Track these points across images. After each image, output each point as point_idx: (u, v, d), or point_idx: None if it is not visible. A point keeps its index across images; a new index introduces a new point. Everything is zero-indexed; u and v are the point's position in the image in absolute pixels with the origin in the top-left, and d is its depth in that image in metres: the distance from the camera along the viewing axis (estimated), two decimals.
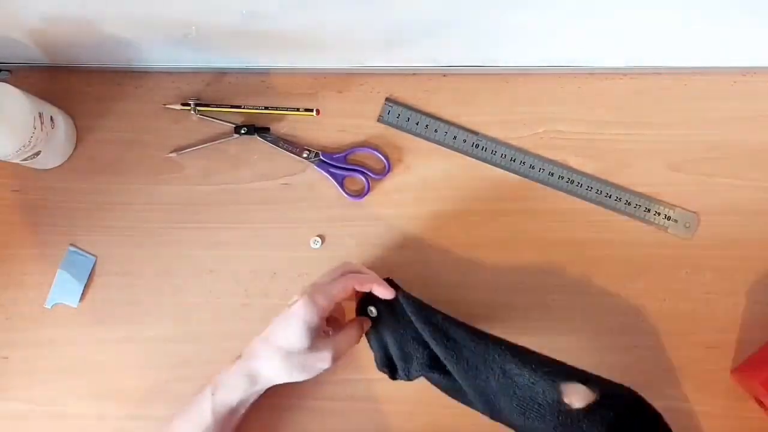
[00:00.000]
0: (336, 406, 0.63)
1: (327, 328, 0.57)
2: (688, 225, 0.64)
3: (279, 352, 0.53)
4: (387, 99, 0.67)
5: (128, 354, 0.65)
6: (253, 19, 0.55)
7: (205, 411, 0.55)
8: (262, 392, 0.57)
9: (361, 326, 0.57)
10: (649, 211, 0.64)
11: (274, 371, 0.54)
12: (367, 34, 0.59)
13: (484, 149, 0.66)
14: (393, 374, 0.58)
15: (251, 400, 0.57)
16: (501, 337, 0.55)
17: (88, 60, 0.67)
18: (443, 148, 0.66)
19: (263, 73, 0.68)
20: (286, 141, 0.67)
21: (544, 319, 0.64)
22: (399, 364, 0.57)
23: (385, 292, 0.54)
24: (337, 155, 0.66)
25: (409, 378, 0.57)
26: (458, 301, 0.64)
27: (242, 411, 0.57)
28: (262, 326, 0.65)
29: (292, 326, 0.52)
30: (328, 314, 0.54)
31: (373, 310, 0.57)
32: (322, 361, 0.54)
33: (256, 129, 0.66)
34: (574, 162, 0.66)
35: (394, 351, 0.57)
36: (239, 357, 0.56)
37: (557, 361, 0.53)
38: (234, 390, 0.55)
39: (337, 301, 0.53)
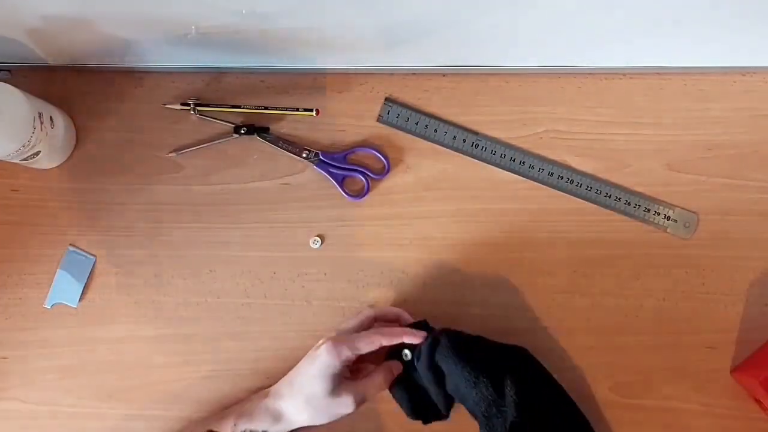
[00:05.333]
0: None
1: (348, 375, 0.57)
2: (687, 225, 0.64)
3: (301, 395, 0.55)
4: (387, 99, 0.67)
5: (128, 354, 0.65)
6: (253, 19, 0.55)
7: None
8: None
9: (390, 371, 0.57)
10: (648, 211, 0.64)
11: (296, 414, 0.56)
12: (367, 34, 0.59)
13: (484, 149, 0.66)
14: (426, 419, 0.58)
15: None
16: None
17: (88, 60, 0.67)
18: (443, 148, 0.66)
19: (263, 73, 0.68)
20: (285, 141, 0.67)
21: (544, 319, 0.64)
22: (440, 399, 0.56)
23: (414, 339, 0.56)
24: (337, 155, 0.66)
25: (448, 413, 0.57)
26: (458, 301, 0.64)
27: None
28: (261, 326, 0.65)
29: (315, 372, 0.54)
30: (354, 361, 0.56)
31: (408, 354, 0.58)
32: (345, 406, 0.55)
33: (255, 129, 0.66)
34: (574, 162, 0.66)
35: (434, 389, 0.56)
36: (267, 394, 0.58)
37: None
38: (257, 424, 0.56)
39: (361, 354, 0.55)
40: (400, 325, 0.58)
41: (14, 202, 0.67)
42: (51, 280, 0.66)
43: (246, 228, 0.66)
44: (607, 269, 0.64)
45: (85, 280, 0.66)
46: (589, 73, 0.66)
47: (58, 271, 0.66)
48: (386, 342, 0.55)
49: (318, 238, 0.65)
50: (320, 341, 0.56)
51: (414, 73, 0.67)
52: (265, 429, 0.56)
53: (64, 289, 0.66)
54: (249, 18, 0.55)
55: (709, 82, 0.66)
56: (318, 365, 0.54)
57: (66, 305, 0.66)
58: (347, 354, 0.54)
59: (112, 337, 0.65)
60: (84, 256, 0.66)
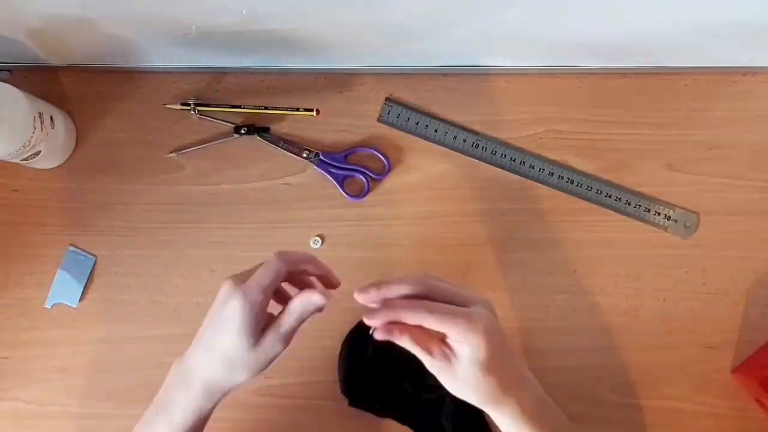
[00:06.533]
0: (334, 406, 0.63)
1: (263, 317, 0.49)
2: (688, 225, 0.64)
3: (224, 361, 0.48)
4: (387, 99, 0.67)
5: (128, 354, 0.65)
6: (253, 19, 0.55)
7: None
8: (221, 399, 0.50)
9: (307, 298, 0.48)
10: (649, 211, 0.64)
11: (226, 380, 0.49)
12: (367, 34, 0.59)
13: (484, 149, 0.66)
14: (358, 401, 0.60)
15: (212, 409, 0.50)
16: None
17: (88, 60, 0.67)
18: (443, 148, 0.66)
19: (263, 73, 0.68)
20: (286, 141, 0.67)
21: (544, 319, 0.64)
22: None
23: (318, 269, 0.50)
24: (337, 155, 0.66)
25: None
26: None
27: (204, 425, 0.51)
28: None
29: (230, 331, 0.47)
30: (268, 301, 0.48)
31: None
32: (272, 350, 0.48)
33: (256, 129, 0.66)
34: (574, 162, 0.66)
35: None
36: (180, 360, 0.51)
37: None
38: (192, 410, 0.49)
39: (272, 290, 0.48)
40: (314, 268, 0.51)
41: (14, 202, 0.67)
42: (51, 280, 0.66)
43: (246, 228, 0.66)
44: (607, 269, 0.64)
45: (85, 280, 0.66)
46: (589, 73, 0.66)
47: (58, 271, 0.66)
48: (290, 267, 0.48)
49: (318, 238, 0.65)
50: (222, 287, 0.49)
51: (414, 73, 0.67)
52: (201, 411, 0.49)
53: (64, 289, 0.66)
54: (249, 18, 0.55)
55: (709, 82, 0.66)
56: (231, 323, 0.47)
57: (66, 305, 0.66)
58: (257, 298, 0.47)
59: (112, 337, 0.65)
60: (84, 256, 0.66)
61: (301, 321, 0.49)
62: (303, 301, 0.48)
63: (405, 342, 0.47)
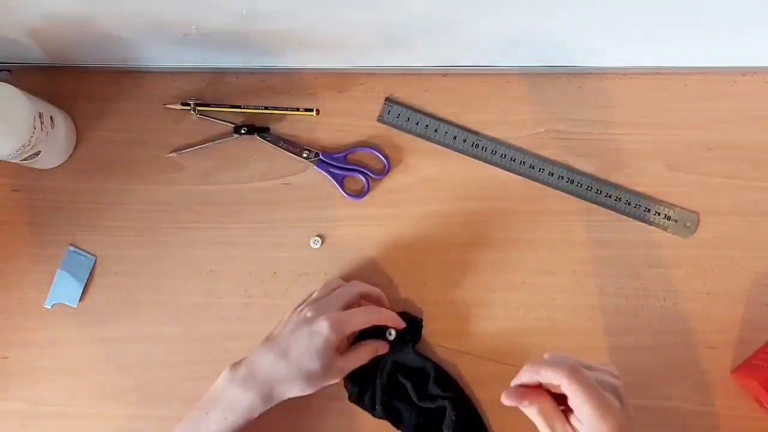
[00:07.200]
0: (336, 406, 0.63)
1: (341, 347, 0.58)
2: (688, 225, 0.64)
3: (300, 372, 0.54)
4: (387, 99, 0.67)
5: (128, 354, 0.65)
6: (253, 19, 0.55)
7: None
8: (270, 406, 0.56)
9: (375, 350, 0.60)
10: (649, 211, 0.64)
11: (291, 390, 0.55)
12: (367, 34, 0.59)
13: (484, 149, 0.66)
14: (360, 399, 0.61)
15: (260, 413, 0.55)
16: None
17: (88, 60, 0.67)
18: (443, 148, 0.66)
19: (263, 73, 0.68)
20: (286, 141, 0.67)
21: (544, 319, 0.64)
22: (379, 393, 0.60)
23: (400, 325, 0.60)
24: (337, 155, 0.66)
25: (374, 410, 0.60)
26: (458, 301, 0.64)
27: (248, 429, 0.55)
28: (262, 326, 0.65)
29: (317, 348, 0.54)
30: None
31: (392, 333, 0.60)
32: (333, 379, 0.57)
33: (256, 129, 0.66)
34: (574, 162, 0.66)
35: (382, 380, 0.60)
36: (239, 365, 0.56)
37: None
38: (247, 411, 0.54)
39: (358, 330, 0.58)
40: (381, 305, 0.61)
41: (14, 202, 0.67)
42: (51, 280, 0.66)
43: (246, 228, 0.66)
44: (607, 269, 0.64)
45: (85, 280, 0.66)
46: (589, 73, 0.66)
47: (58, 271, 0.66)
48: (377, 322, 0.58)
49: (318, 238, 0.65)
50: (308, 312, 0.56)
51: (414, 73, 0.67)
52: (254, 413, 0.54)
53: (64, 289, 0.66)
54: (249, 18, 0.55)
55: (709, 82, 0.66)
56: (320, 342, 0.54)
57: (66, 305, 0.66)
58: (350, 330, 0.56)
59: (112, 337, 0.65)
60: (84, 256, 0.66)
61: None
62: (376, 348, 0.59)
63: (531, 411, 0.47)
